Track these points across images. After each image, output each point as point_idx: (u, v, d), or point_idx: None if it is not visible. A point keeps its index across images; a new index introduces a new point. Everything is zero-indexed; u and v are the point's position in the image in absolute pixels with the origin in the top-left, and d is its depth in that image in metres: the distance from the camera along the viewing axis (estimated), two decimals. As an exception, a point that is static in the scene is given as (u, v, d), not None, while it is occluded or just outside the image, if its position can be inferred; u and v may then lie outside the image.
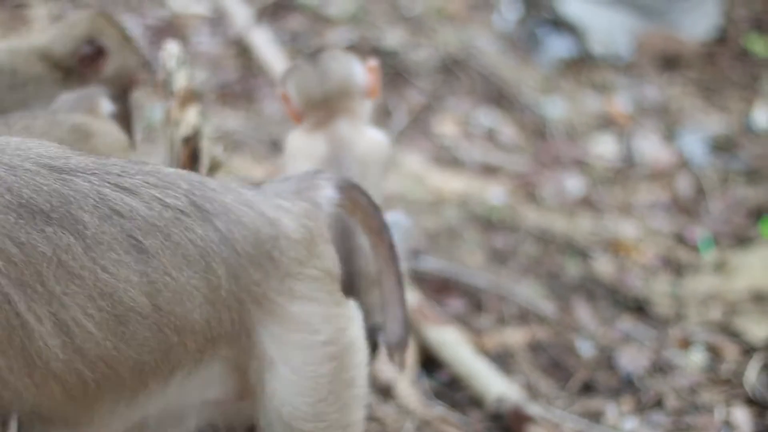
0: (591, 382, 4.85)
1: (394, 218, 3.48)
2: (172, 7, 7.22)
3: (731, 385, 4.86)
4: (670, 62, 8.54)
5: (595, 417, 4.56)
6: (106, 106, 3.19)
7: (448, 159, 6.76)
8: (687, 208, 6.77)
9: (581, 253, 6.01)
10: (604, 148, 7.37)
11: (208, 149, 3.64)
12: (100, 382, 2.36)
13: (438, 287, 5.31)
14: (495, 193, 6.41)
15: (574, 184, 6.82)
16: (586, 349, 5.09)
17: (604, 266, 5.89)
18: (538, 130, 7.38)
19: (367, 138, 3.28)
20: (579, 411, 4.57)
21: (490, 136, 7.16)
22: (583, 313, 5.40)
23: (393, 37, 7.63)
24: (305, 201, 2.67)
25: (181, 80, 3.53)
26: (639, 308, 5.62)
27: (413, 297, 4.83)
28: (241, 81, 6.87)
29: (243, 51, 7.03)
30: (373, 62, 3.39)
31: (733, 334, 5.34)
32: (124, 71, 3.86)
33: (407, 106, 7.03)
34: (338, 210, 2.80)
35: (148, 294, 2.36)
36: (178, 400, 2.56)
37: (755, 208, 6.73)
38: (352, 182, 2.85)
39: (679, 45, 8.63)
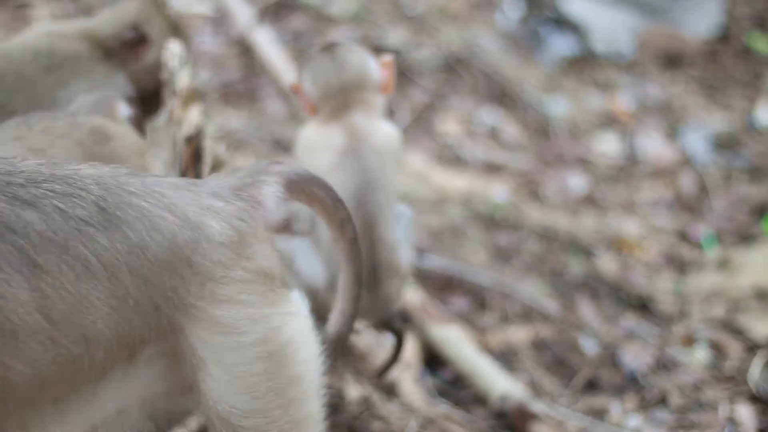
0: (595, 380, 4.85)
1: (398, 210, 3.49)
2: (174, 7, 7.22)
3: (735, 382, 4.86)
4: (672, 60, 8.54)
5: (599, 414, 4.56)
6: (124, 109, 3.19)
7: (451, 157, 6.77)
8: (690, 206, 6.77)
9: (585, 251, 6.01)
10: (607, 146, 7.37)
11: (211, 148, 3.65)
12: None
13: (441, 285, 5.31)
14: (498, 192, 6.41)
15: (577, 182, 6.82)
16: (589, 346, 5.09)
17: (607, 264, 5.89)
18: (541, 129, 7.38)
19: (382, 131, 3.27)
20: (583, 408, 4.57)
21: (493, 134, 7.16)
22: (587, 310, 5.41)
23: (395, 36, 7.63)
24: (244, 199, 2.62)
25: (183, 80, 3.53)
26: (642, 306, 5.63)
27: (417, 295, 4.83)
28: (243, 80, 6.88)
29: (245, 50, 7.04)
30: (388, 58, 3.38)
31: (737, 331, 5.34)
32: (162, 63, 3.88)
33: (410, 105, 7.04)
34: (289, 204, 2.76)
35: (40, 309, 2.32)
36: (123, 399, 2.56)
37: (758, 205, 6.73)
38: (308, 175, 2.80)
39: (682, 43, 8.63)
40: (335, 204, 2.80)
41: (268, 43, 6.96)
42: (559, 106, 7.60)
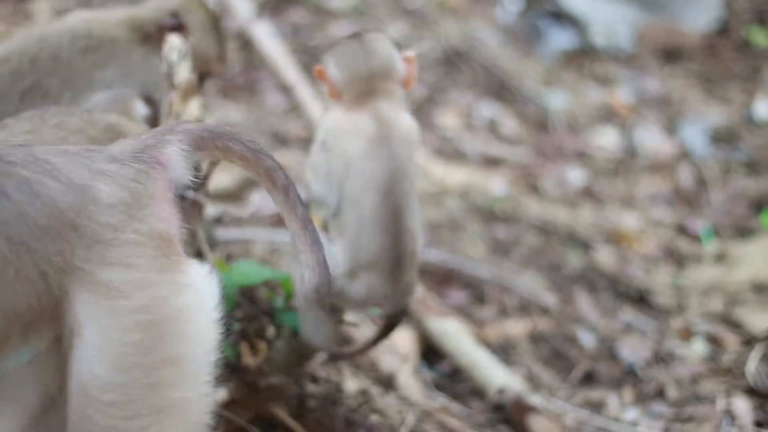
0: (593, 373, 4.87)
1: None
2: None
3: (732, 376, 4.87)
4: (671, 54, 8.54)
5: (597, 407, 4.57)
6: (140, 108, 3.19)
7: (450, 151, 6.78)
8: (688, 199, 6.79)
9: (583, 244, 6.03)
10: (606, 139, 7.39)
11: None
12: None
13: (440, 278, 5.32)
14: (497, 185, 6.42)
15: (575, 175, 6.83)
16: (587, 339, 5.10)
17: (605, 257, 5.90)
18: (540, 122, 7.39)
19: (406, 121, 3.27)
20: (580, 402, 4.58)
21: (492, 127, 7.17)
22: (585, 304, 5.42)
23: (395, 30, 7.63)
24: (143, 161, 2.54)
25: (183, 73, 3.54)
26: (640, 299, 5.64)
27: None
28: (243, 74, 6.88)
29: (245, 44, 7.05)
30: (410, 53, 3.38)
31: (734, 325, 5.36)
32: (199, 55, 3.92)
33: (409, 98, 7.04)
34: (197, 162, 2.66)
35: None
36: (22, 384, 2.49)
37: (756, 199, 6.74)
38: (219, 130, 2.70)
39: (681, 37, 8.64)
40: (255, 155, 2.69)
41: (267, 37, 6.96)
42: (558, 100, 7.61)
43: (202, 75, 4.01)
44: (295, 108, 6.18)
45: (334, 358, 3.67)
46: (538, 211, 6.26)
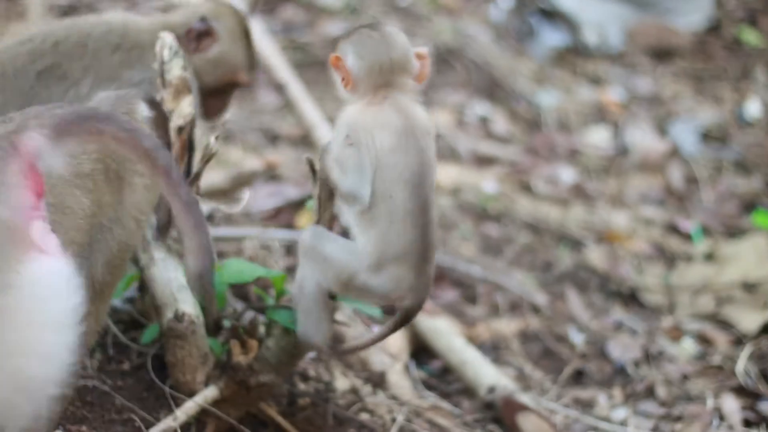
0: (583, 372, 4.87)
1: None
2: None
3: (722, 375, 4.88)
4: (662, 53, 8.56)
5: (587, 406, 4.57)
6: (144, 110, 3.19)
7: (442, 149, 6.78)
8: (679, 198, 6.80)
9: (574, 243, 6.03)
10: (597, 138, 7.39)
11: (202, 139, 3.66)
12: None
13: (431, 277, 5.31)
14: (489, 183, 6.42)
15: (567, 173, 6.84)
16: (578, 338, 5.11)
17: (596, 256, 5.91)
18: (531, 121, 7.40)
19: (423, 113, 3.26)
20: (571, 401, 4.58)
21: (484, 126, 7.17)
22: (576, 303, 5.42)
23: (387, 27, 7.62)
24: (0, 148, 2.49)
25: (174, 70, 3.54)
26: (631, 298, 5.65)
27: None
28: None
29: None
30: (424, 49, 3.35)
31: (725, 324, 5.37)
32: (226, 62, 3.99)
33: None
34: (64, 145, 2.57)
35: None
36: None
37: (746, 198, 6.76)
38: (89, 112, 2.67)
39: (672, 36, 8.65)
40: (131, 135, 2.62)
41: (259, 34, 6.94)
42: (549, 99, 7.61)
43: (229, 84, 4.04)
44: (287, 105, 6.17)
45: (336, 354, 3.63)
46: (530, 210, 6.26)
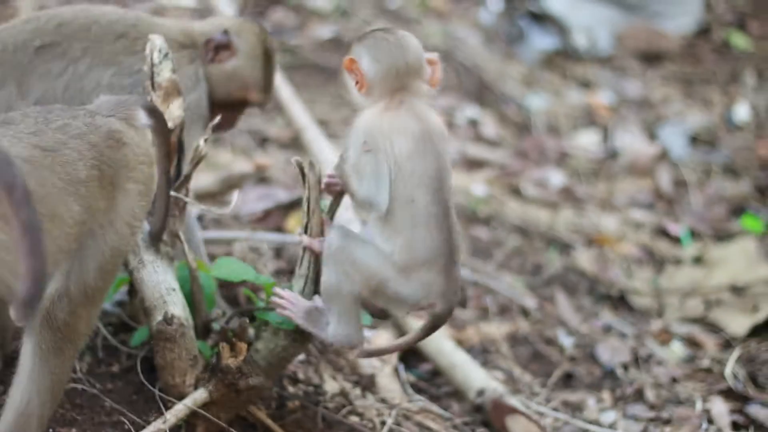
0: (572, 375, 4.88)
1: None
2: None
3: (711, 378, 4.89)
4: (651, 56, 8.58)
5: (577, 409, 4.58)
6: (143, 118, 3.19)
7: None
8: (668, 201, 6.81)
9: (563, 246, 6.04)
10: (587, 141, 7.41)
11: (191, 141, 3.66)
12: None
13: (420, 280, 5.31)
14: (478, 187, 6.42)
15: (556, 177, 6.85)
16: (567, 341, 5.11)
17: (585, 259, 5.92)
18: (521, 124, 7.41)
19: (437, 118, 3.24)
20: (560, 403, 4.59)
21: (474, 129, 7.18)
22: (565, 306, 5.43)
23: (376, 30, 7.62)
24: None
25: (164, 73, 3.54)
26: (620, 301, 5.66)
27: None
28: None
29: (226, 43, 7.02)
30: (433, 54, 3.33)
31: (713, 327, 5.38)
32: (239, 78, 4.02)
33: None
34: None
35: None
36: None
37: (735, 201, 6.77)
38: None
39: (661, 39, 8.67)
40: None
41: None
42: (539, 102, 7.62)
43: (240, 101, 4.05)
44: (276, 108, 6.17)
45: (364, 355, 3.59)
46: (519, 213, 6.27)
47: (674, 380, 4.87)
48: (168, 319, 3.36)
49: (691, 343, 5.26)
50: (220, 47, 3.98)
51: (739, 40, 8.91)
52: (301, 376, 3.95)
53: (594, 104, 7.82)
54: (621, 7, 8.74)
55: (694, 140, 7.49)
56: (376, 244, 3.14)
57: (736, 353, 4.97)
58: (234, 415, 3.53)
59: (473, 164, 6.77)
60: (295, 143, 6.02)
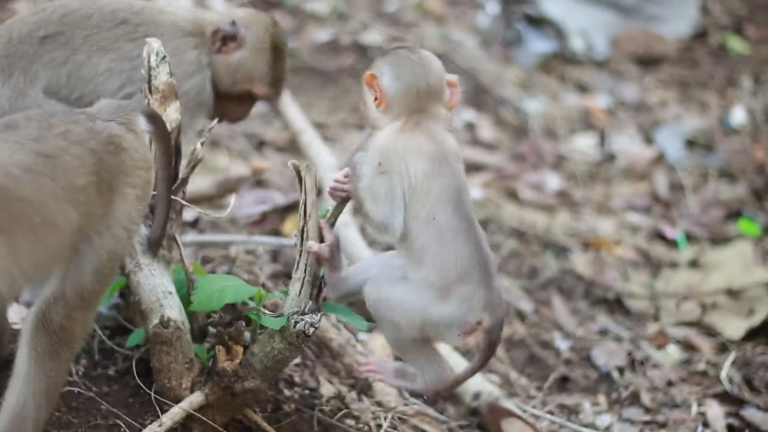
0: (568, 378, 4.88)
1: None
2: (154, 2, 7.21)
3: (707, 381, 4.90)
4: (648, 60, 8.58)
5: (573, 412, 4.58)
6: (142, 123, 3.19)
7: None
8: (665, 205, 6.82)
9: (560, 249, 6.04)
10: (584, 144, 7.41)
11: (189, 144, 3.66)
12: None
13: (417, 283, 5.31)
14: (475, 190, 6.42)
15: (553, 180, 6.85)
16: (563, 345, 5.11)
17: (582, 263, 5.92)
18: (518, 127, 7.41)
19: (452, 140, 3.22)
20: (556, 407, 4.59)
21: (471, 132, 7.18)
22: (561, 309, 5.43)
23: (374, 33, 7.63)
24: None
25: (162, 76, 3.54)
26: (616, 304, 5.66)
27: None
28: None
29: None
30: (453, 77, 3.31)
31: (709, 330, 5.39)
32: (244, 70, 4.02)
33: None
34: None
35: None
36: None
37: (732, 204, 6.77)
38: None
39: (658, 43, 8.68)
40: None
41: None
42: (536, 105, 7.63)
43: (246, 94, 4.04)
44: (273, 112, 6.18)
45: (439, 396, 3.56)
46: (516, 217, 6.27)
47: (670, 383, 4.88)
48: (164, 323, 3.36)
49: (687, 346, 5.27)
50: (227, 38, 3.98)
51: (736, 44, 8.91)
52: (297, 379, 3.95)
53: (591, 108, 7.83)
54: (618, 11, 8.74)
55: (691, 144, 7.49)
56: (407, 277, 3.13)
57: (731, 357, 4.98)
58: (230, 418, 3.53)
59: (470, 167, 6.72)
60: (292, 146, 6.02)
